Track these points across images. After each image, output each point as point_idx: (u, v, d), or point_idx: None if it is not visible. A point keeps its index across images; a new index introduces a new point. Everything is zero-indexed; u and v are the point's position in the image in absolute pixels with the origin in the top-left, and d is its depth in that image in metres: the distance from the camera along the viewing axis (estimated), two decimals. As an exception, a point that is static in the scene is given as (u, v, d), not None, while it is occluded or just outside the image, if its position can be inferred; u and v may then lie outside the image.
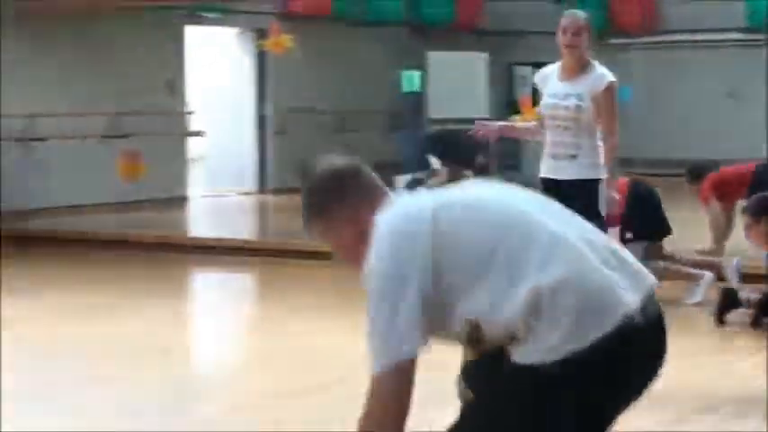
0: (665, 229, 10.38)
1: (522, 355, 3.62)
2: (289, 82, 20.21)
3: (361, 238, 3.78)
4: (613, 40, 21.73)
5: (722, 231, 11.44)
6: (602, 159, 7.99)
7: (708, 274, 10.17)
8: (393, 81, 20.15)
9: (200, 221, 18.43)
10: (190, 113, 19.82)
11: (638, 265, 3.81)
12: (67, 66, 17.50)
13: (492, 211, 3.75)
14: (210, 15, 19.30)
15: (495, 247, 3.64)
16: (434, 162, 16.68)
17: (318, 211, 3.99)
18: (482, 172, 16.69)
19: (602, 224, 7.66)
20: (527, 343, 3.60)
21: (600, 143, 8.02)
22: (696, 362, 7.70)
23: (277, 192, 19.99)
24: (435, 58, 21.47)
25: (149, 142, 18.04)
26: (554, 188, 7.88)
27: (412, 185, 13.76)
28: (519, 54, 23.02)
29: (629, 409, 3.71)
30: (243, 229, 17.29)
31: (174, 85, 19.33)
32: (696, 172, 11.92)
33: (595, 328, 3.57)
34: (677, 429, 6.44)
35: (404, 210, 3.76)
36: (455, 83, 21.30)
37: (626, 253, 3.83)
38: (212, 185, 20.39)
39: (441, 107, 21.35)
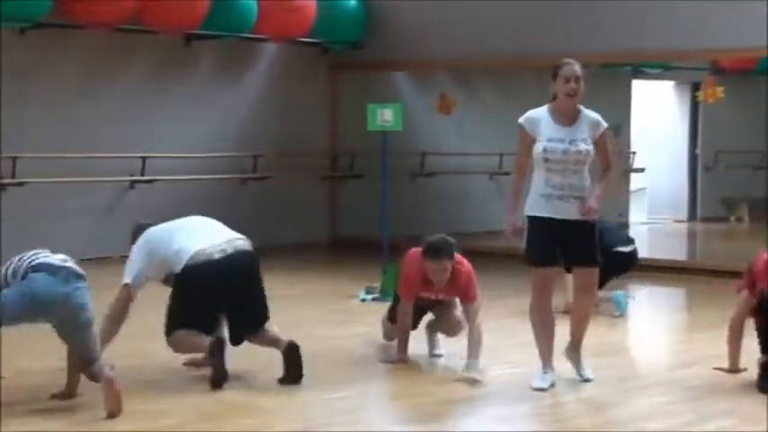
0: None
1: None
2: (717, 127, 19.97)
3: None
4: None
5: None
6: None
7: None
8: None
9: (639, 244, 18.32)
10: (633, 153, 19.96)
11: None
12: (490, 110, 17.56)
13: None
14: (653, 71, 19.36)
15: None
16: None
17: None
18: None
19: None
20: None
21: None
22: None
23: (705, 220, 19.79)
24: None
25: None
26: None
27: None
28: None
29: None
30: (675, 251, 17.16)
31: (620, 128, 19.55)
32: None
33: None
34: None
35: None
36: None
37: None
38: (650, 214, 20.37)
39: None
